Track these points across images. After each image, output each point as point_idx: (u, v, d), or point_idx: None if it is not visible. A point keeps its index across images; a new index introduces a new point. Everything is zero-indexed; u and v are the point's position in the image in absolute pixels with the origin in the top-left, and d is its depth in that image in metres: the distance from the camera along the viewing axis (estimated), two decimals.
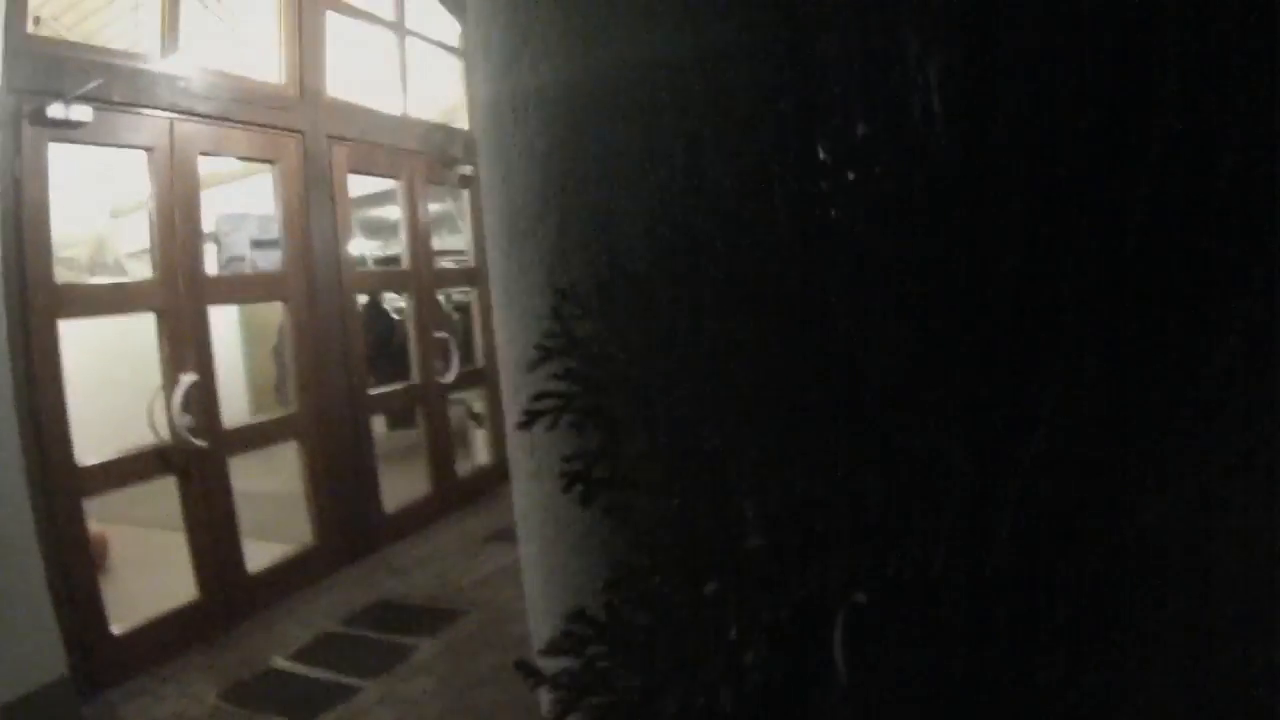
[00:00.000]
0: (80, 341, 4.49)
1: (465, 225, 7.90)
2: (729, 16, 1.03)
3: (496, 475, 7.54)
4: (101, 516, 5.20)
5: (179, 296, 4.80)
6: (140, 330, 4.90)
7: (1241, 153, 0.76)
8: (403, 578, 5.68)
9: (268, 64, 5.80)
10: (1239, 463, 0.82)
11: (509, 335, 1.33)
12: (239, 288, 5.94)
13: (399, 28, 6.98)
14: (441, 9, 7.32)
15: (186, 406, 4.72)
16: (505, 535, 6.22)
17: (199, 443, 4.76)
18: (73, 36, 5.02)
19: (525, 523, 1.54)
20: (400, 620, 5.00)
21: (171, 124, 4.85)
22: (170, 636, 4.62)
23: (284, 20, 5.80)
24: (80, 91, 4.17)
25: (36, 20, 4.58)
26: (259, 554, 5.36)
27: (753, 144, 1.00)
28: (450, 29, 7.58)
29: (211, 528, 4.93)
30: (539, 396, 1.08)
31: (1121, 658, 0.86)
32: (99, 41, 5.00)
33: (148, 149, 4.76)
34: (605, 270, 1.09)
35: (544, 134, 1.17)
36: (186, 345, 4.83)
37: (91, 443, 4.47)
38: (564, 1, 1.15)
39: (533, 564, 1.53)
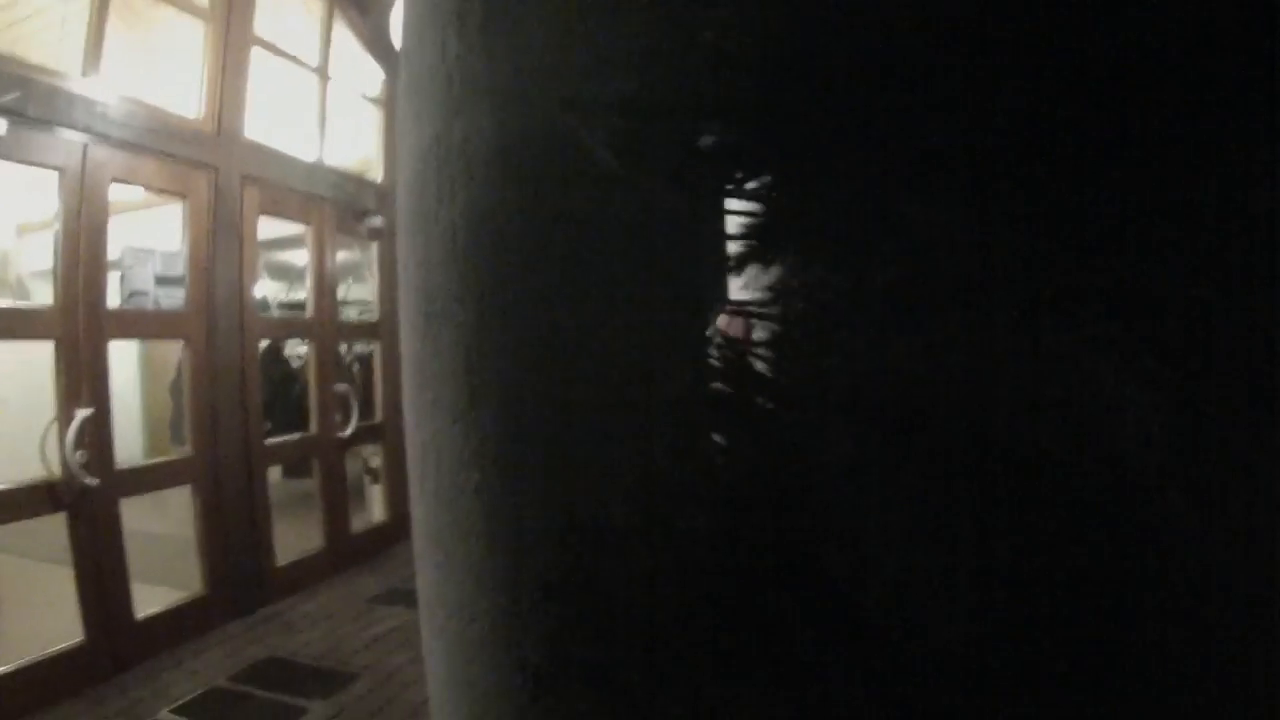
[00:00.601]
0: None
1: (372, 277, 7.75)
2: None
3: (392, 533, 7.37)
4: None
5: (79, 327, 4.60)
6: (38, 358, 4.69)
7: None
8: (293, 635, 5.46)
9: (187, 96, 5.65)
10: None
11: (418, 421, 1.24)
12: (140, 323, 5.70)
13: (322, 72, 6.87)
14: (366, 57, 7.24)
15: (80, 441, 4.51)
16: (398, 596, 6.08)
17: (91, 480, 4.54)
18: None
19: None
20: (290, 680, 4.77)
21: (85, 147, 4.69)
22: (52, 681, 4.37)
23: (208, 52, 5.67)
24: None
25: None
26: (149, 598, 5.11)
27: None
28: (372, 79, 7.49)
29: (100, 570, 4.68)
30: None
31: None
32: (20, 53, 4.82)
33: (59, 169, 4.57)
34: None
35: (470, 215, 1.10)
36: (84, 378, 4.62)
37: None
38: (518, 49, 1.08)
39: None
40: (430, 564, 1.29)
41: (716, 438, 0.95)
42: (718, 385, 0.96)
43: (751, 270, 0.93)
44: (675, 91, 0.98)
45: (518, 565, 1.08)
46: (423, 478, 1.24)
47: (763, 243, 0.94)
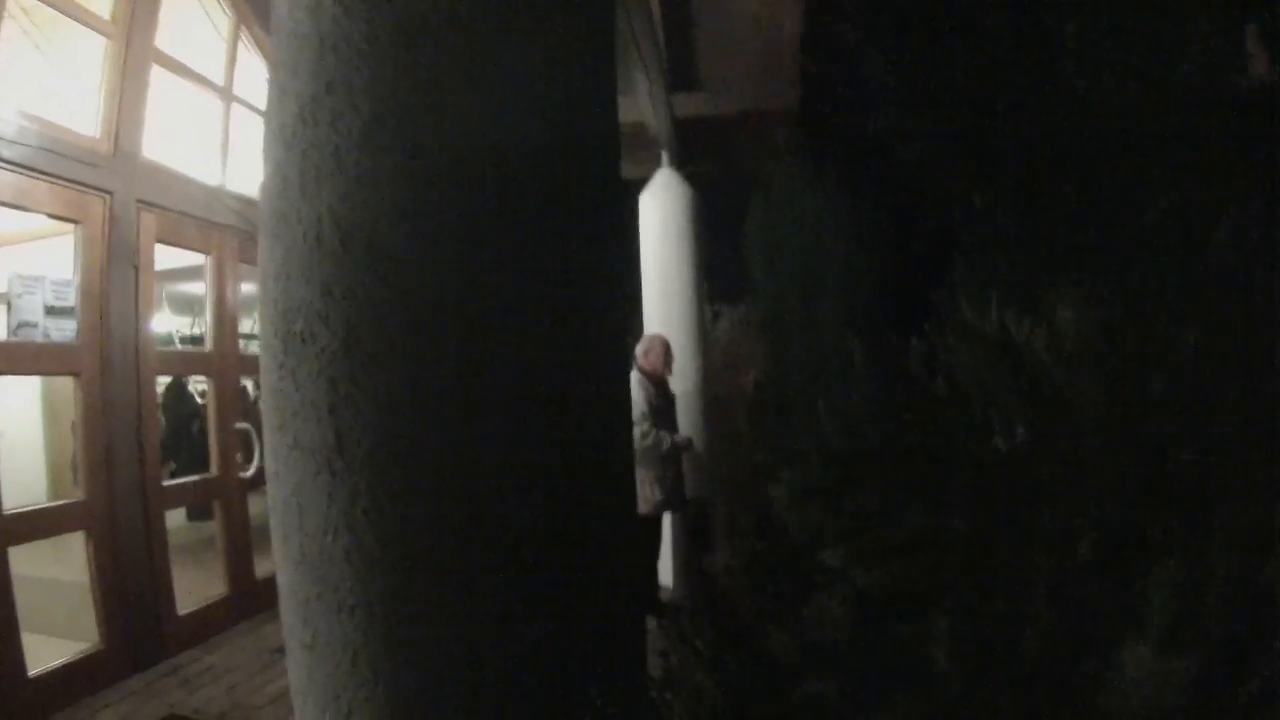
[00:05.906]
0: None
1: None
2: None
3: None
4: None
5: None
6: None
7: None
8: (195, 691, 5.11)
9: (83, 115, 5.32)
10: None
11: (278, 470, 1.00)
12: (29, 358, 5.27)
13: (225, 93, 6.58)
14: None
15: None
16: None
17: None
18: None
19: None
20: None
21: None
22: None
23: (106, 69, 5.35)
24: None
25: None
26: (46, 651, 4.77)
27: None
28: None
29: None
30: None
31: None
32: None
33: None
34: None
35: (338, 208, 0.87)
36: None
37: None
38: (382, 47, 0.85)
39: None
40: (298, 644, 1.05)
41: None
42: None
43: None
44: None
45: (400, 649, 0.86)
46: (285, 539, 1.00)
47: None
